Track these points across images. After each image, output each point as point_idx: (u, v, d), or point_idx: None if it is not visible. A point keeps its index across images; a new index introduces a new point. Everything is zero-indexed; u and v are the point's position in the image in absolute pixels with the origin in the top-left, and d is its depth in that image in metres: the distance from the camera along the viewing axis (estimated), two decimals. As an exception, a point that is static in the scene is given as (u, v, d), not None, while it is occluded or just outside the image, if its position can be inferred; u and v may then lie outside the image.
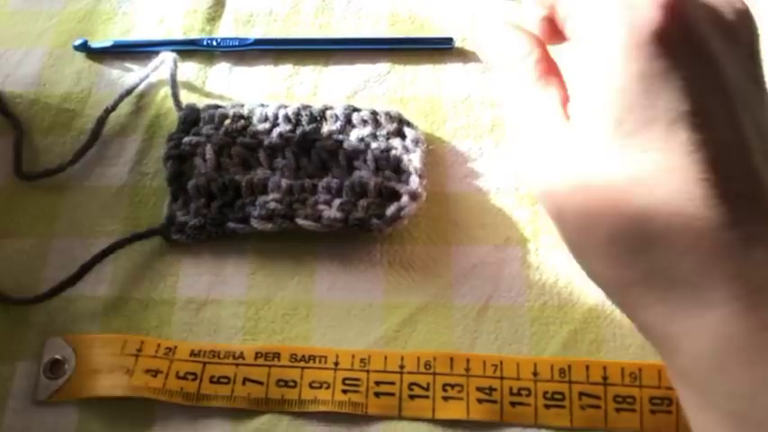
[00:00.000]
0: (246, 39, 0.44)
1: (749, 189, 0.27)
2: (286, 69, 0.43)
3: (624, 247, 0.27)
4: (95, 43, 0.44)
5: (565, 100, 0.30)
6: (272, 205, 0.36)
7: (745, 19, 0.29)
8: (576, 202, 0.28)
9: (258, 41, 0.44)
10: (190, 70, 0.43)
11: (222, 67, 0.44)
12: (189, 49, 0.44)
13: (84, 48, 0.44)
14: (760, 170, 0.27)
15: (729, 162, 0.27)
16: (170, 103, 0.41)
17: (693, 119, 0.26)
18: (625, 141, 0.27)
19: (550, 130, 0.29)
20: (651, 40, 0.27)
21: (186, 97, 0.42)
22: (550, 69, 0.31)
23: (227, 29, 0.45)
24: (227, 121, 0.39)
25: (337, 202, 0.36)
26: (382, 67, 0.43)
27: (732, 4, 0.29)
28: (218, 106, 0.40)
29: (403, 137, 0.38)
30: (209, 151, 0.38)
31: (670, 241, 0.26)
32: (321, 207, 0.36)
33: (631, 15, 0.27)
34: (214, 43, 0.44)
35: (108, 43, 0.44)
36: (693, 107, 0.26)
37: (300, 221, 0.36)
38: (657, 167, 0.27)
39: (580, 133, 0.28)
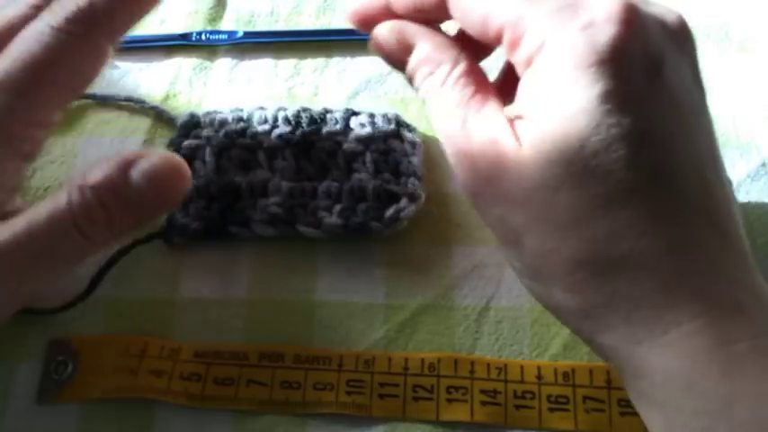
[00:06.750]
0: (234, 32, 0.44)
1: (706, 206, 0.27)
2: (287, 70, 0.43)
3: (589, 270, 0.27)
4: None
5: (509, 119, 0.28)
6: (273, 209, 0.36)
7: (684, 26, 0.29)
8: (537, 229, 0.27)
9: (248, 34, 0.44)
10: (189, 71, 0.44)
11: (222, 68, 0.44)
12: (180, 44, 0.44)
13: None
14: (713, 185, 0.27)
15: (688, 180, 0.26)
16: (171, 104, 0.41)
17: (655, 138, 0.26)
18: (588, 163, 0.26)
19: (500, 157, 0.27)
20: (611, 58, 0.26)
21: (185, 96, 0.42)
22: (480, 82, 0.30)
23: (228, 29, 0.45)
24: (227, 125, 0.39)
25: (337, 208, 0.36)
26: (384, 68, 0.43)
27: (671, 12, 0.29)
28: (217, 112, 0.40)
29: (401, 139, 0.38)
30: (208, 154, 0.38)
31: (635, 263, 0.26)
32: (322, 214, 0.36)
33: (589, 34, 0.26)
34: (203, 38, 0.44)
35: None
36: (655, 126, 0.26)
37: (302, 228, 0.36)
38: (622, 188, 0.26)
39: (539, 159, 0.27)
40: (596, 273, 0.26)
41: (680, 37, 0.28)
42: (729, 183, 0.30)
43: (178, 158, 0.29)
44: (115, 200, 0.29)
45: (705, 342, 0.25)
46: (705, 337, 0.25)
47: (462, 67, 0.29)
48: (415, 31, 0.31)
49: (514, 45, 0.28)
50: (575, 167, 0.26)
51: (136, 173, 0.28)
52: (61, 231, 0.28)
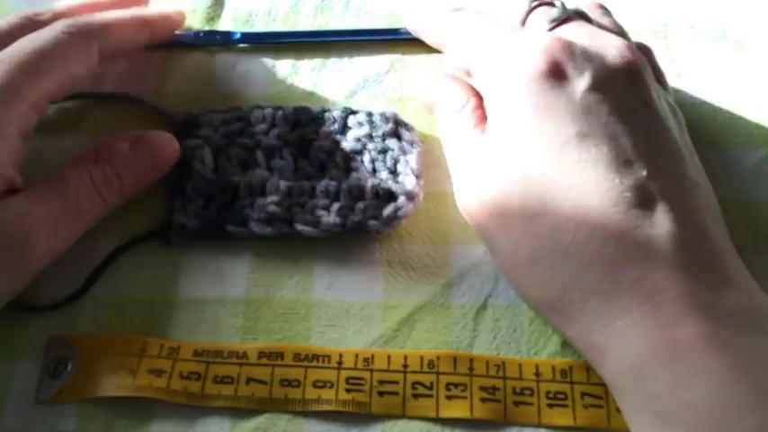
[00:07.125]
0: (233, 32, 0.44)
1: (640, 196, 0.29)
2: (284, 70, 0.43)
3: (542, 265, 0.30)
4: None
5: None
6: (272, 208, 0.36)
7: (623, 56, 0.33)
8: (503, 233, 0.32)
9: (246, 35, 0.44)
10: (187, 70, 0.44)
11: (220, 67, 0.44)
12: (178, 43, 0.44)
13: None
14: (649, 178, 0.30)
15: (620, 173, 0.29)
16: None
17: (580, 139, 0.30)
18: (528, 167, 0.31)
19: (482, 176, 0.33)
20: (536, 79, 0.31)
21: (183, 95, 0.42)
22: (484, 115, 0.35)
23: (226, 28, 0.45)
24: (225, 125, 0.39)
25: (336, 206, 0.36)
26: (381, 67, 0.43)
27: (617, 44, 0.33)
28: (215, 112, 0.40)
29: (399, 138, 0.39)
30: (207, 153, 0.38)
31: (578, 254, 0.29)
32: (320, 213, 0.36)
33: (520, 62, 0.32)
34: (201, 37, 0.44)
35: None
36: (579, 129, 0.30)
37: (300, 227, 0.36)
38: (557, 186, 0.30)
39: (497, 172, 0.32)
40: (550, 266, 0.30)
41: (616, 64, 0.32)
42: (697, 181, 0.32)
43: (167, 134, 0.38)
44: (126, 170, 0.36)
45: (651, 327, 0.27)
46: (651, 321, 0.27)
47: (471, 105, 0.36)
48: (444, 80, 0.39)
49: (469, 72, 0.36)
50: (516, 174, 0.31)
51: (139, 147, 0.37)
52: (87, 196, 0.35)
